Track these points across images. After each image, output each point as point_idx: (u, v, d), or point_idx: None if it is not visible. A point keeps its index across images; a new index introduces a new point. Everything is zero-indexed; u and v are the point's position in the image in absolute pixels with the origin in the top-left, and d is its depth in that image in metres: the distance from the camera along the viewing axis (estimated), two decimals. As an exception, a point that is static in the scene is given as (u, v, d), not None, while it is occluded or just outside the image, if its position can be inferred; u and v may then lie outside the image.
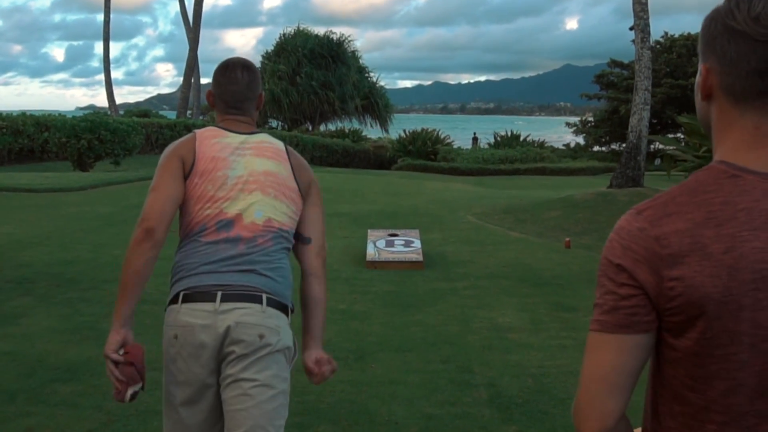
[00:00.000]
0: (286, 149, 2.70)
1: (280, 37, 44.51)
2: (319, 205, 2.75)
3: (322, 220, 2.76)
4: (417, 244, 9.46)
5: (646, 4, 14.96)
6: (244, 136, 2.65)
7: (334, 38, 44.38)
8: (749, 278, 1.15)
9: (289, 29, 44.99)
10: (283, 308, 2.65)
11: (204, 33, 45.56)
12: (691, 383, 1.22)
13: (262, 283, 2.54)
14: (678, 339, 1.21)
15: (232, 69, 2.71)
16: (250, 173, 2.58)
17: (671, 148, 15.02)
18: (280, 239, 2.60)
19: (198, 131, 2.67)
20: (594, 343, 1.25)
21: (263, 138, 2.68)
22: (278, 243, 2.59)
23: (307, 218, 2.69)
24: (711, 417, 1.21)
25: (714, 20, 1.28)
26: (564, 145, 44.92)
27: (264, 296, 2.53)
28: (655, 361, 1.28)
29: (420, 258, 8.99)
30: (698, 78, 1.34)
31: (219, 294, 2.47)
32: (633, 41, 15.32)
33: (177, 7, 41.34)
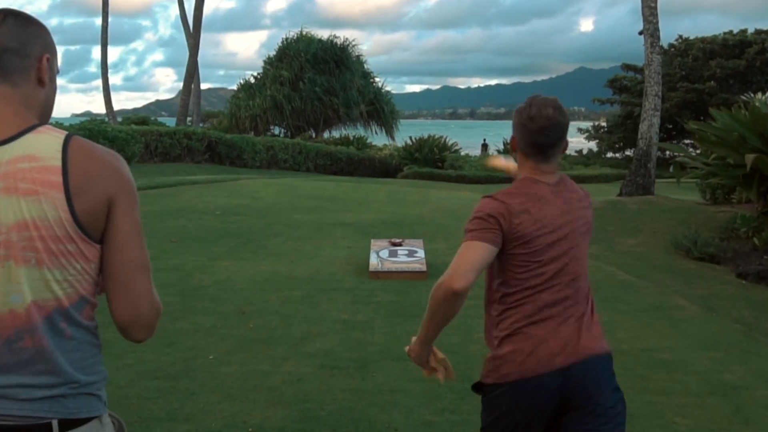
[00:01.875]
0: (64, 154, 1.75)
1: (282, 42, 44.96)
2: (129, 233, 1.82)
3: (137, 257, 1.83)
4: (421, 253, 9.70)
5: (655, 8, 15.23)
6: None
7: (338, 42, 44.77)
8: (545, 224, 2.60)
9: (291, 33, 45.44)
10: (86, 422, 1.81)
11: (205, 37, 45.96)
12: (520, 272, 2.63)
13: (46, 407, 1.73)
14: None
15: None
16: None
17: (679, 155, 15.24)
18: (56, 328, 1.76)
19: None
20: (472, 245, 2.54)
21: (25, 148, 1.74)
22: (56, 333, 1.76)
23: (106, 264, 1.82)
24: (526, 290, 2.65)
25: (516, 112, 2.72)
26: (576, 151, 45.14)
27: (54, 423, 1.74)
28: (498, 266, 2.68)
29: (423, 268, 9.23)
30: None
31: None
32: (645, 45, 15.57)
33: (177, 10, 41.68)
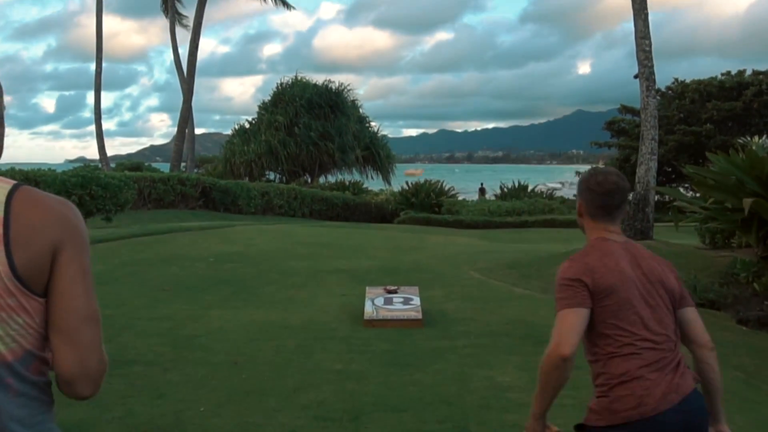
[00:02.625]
0: (8, 204, 1.72)
1: (277, 87, 45.34)
2: (74, 280, 1.75)
3: (84, 305, 1.76)
4: (416, 301, 9.69)
5: (650, 52, 15.42)
6: None
7: (333, 87, 45.16)
8: (624, 274, 2.83)
9: (286, 79, 45.82)
10: None
11: (201, 81, 46.33)
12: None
13: None
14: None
15: None
16: None
17: (677, 199, 15.32)
18: (2, 384, 1.70)
19: None
20: (565, 314, 2.75)
21: None
22: (3, 388, 1.70)
23: (49, 312, 1.76)
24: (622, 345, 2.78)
25: (583, 180, 3.06)
26: (574, 195, 45.30)
27: None
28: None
29: (419, 316, 9.22)
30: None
31: None
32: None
33: (172, 55, 42.11)
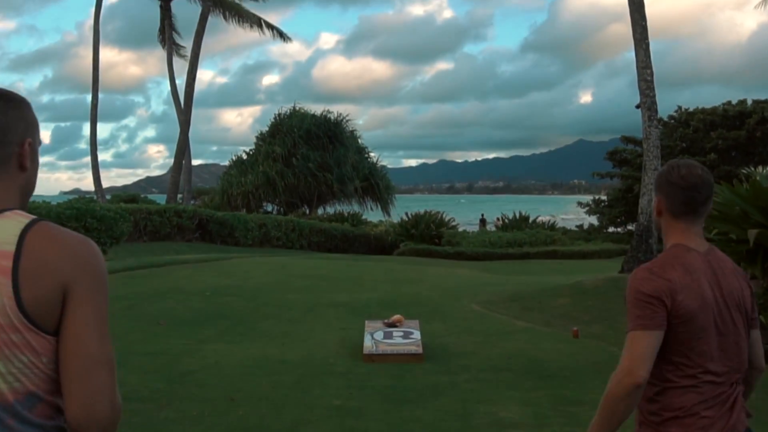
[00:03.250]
0: (21, 239, 1.72)
1: (275, 118, 45.52)
2: (86, 323, 1.72)
3: (96, 350, 1.71)
4: (417, 335, 9.65)
5: (652, 81, 15.52)
6: None
7: (332, 117, 45.34)
8: (705, 299, 2.60)
9: (284, 109, 46.02)
10: None
11: (199, 112, 46.54)
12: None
13: None
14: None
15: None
16: None
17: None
18: (2, 425, 1.69)
19: None
20: (639, 336, 2.54)
21: None
22: (5, 429, 1.69)
23: (60, 355, 1.72)
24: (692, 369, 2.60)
25: (661, 174, 2.78)
26: (577, 226, 45.32)
27: None
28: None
29: (419, 350, 9.18)
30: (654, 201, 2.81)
31: None
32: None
33: (169, 86, 42.35)
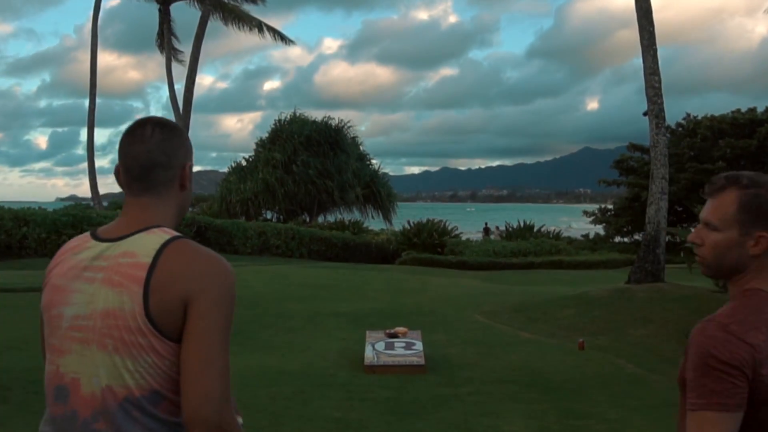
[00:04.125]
0: (159, 252, 1.95)
1: (275, 123, 45.48)
2: (202, 334, 1.90)
3: (207, 357, 1.89)
4: (419, 346, 9.65)
5: (659, 88, 15.51)
6: (105, 245, 2.02)
7: (333, 124, 45.34)
8: None
9: (284, 115, 45.98)
10: None
11: (198, 118, 46.54)
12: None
13: None
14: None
15: (140, 125, 2.12)
16: (91, 312, 1.96)
17: (687, 241, 15.30)
18: (129, 416, 1.91)
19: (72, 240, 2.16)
20: (713, 419, 1.86)
21: (130, 246, 1.99)
22: (129, 422, 1.91)
23: (180, 365, 1.91)
24: None
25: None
26: (582, 235, 45.27)
27: None
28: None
29: (422, 361, 9.18)
30: (742, 239, 2.04)
31: None
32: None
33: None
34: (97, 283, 1.96)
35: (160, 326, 1.89)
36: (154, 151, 2.06)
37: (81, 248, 2.05)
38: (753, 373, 1.88)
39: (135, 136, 2.09)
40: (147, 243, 1.97)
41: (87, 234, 2.11)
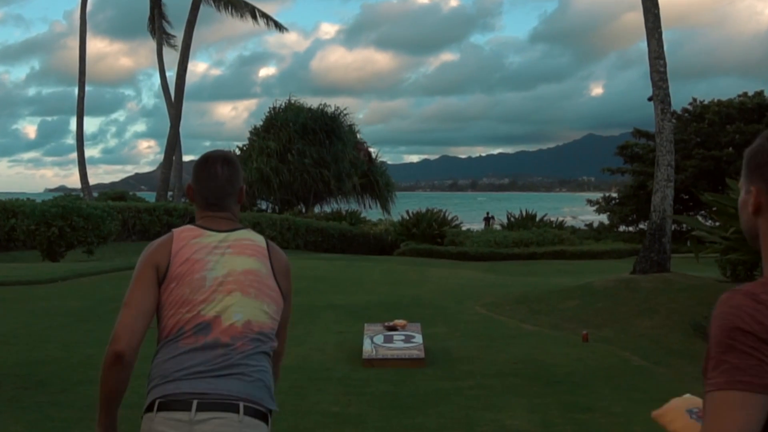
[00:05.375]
0: (268, 247, 2.97)
1: (269, 111, 45.29)
2: (288, 315, 3.03)
3: (286, 327, 3.07)
4: (418, 339, 9.65)
5: (665, 72, 15.47)
6: (223, 234, 2.92)
7: (329, 111, 45.20)
8: None
9: (279, 102, 45.82)
10: (262, 416, 2.77)
11: (191, 106, 46.50)
12: None
13: (240, 390, 2.71)
14: None
15: (211, 164, 2.99)
16: (228, 272, 2.83)
17: (696, 229, 15.29)
18: (259, 342, 2.82)
19: (176, 231, 2.97)
20: (735, 401, 1.54)
21: (243, 235, 2.95)
22: (258, 346, 2.81)
23: (282, 315, 2.99)
24: None
25: (761, 151, 1.75)
26: (586, 225, 45.26)
27: (241, 405, 2.69)
28: None
29: (421, 354, 9.18)
30: (744, 196, 1.79)
31: (195, 403, 2.65)
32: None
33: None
34: (227, 255, 2.86)
35: (279, 286, 2.93)
36: (225, 186, 2.99)
37: (200, 235, 2.89)
38: None
39: (210, 174, 2.98)
40: (254, 235, 2.99)
41: (192, 227, 2.95)
